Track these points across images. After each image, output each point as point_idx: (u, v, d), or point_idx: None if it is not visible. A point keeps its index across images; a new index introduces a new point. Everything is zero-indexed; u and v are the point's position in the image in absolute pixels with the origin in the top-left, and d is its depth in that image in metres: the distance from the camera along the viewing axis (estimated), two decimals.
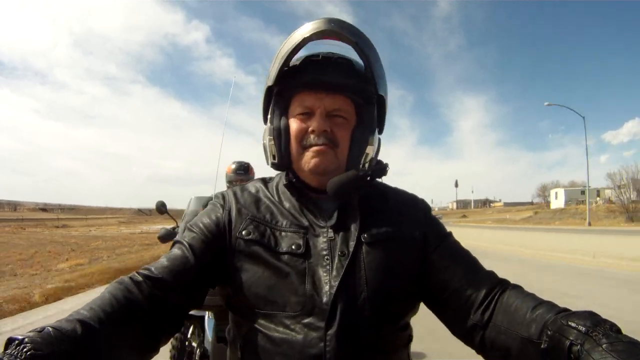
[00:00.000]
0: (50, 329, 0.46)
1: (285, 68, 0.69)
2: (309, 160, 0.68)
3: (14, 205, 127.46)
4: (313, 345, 0.58)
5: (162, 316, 0.59)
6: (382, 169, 0.75)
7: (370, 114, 0.70)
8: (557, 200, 41.61)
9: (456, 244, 0.72)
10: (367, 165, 0.69)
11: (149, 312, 0.57)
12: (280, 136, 0.70)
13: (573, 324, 0.49)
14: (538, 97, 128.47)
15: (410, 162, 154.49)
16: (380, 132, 0.74)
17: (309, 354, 0.58)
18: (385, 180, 0.79)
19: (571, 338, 0.48)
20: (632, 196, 23.79)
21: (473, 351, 0.64)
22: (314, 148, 0.68)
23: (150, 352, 0.58)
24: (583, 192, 30.74)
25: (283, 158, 0.71)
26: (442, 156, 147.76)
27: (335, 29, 0.65)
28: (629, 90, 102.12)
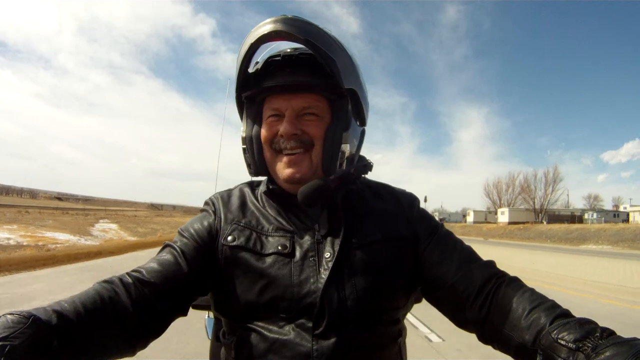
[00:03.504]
0: (9, 316, 0.46)
1: (249, 72, 0.68)
2: (282, 169, 0.67)
3: (33, 193, 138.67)
4: (302, 344, 0.60)
5: (146, 321, 0.58)
6: (364, 166, 0.74)
7: (343, 109, 0.67)
8: (469, 218, 60.70)
9: (448, 237, 0.71)
10: (344, 163, 0.67)
11: (132, 315, 0.56)
12: (252, 144, 0.70)
13: (563, 342, 0.49)
14: (539, 112, 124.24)
15: (409, 169, 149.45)
16: (363, 125, 0.73)
17: (298, 353, 0.59)
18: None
19: (562, 356, 0.48)
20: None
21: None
22: (287, 158, 0.67)
23: (125, 353, 0.57)
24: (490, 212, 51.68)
25: (257, 166, 0.70)
26: (441, 165, 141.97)
27: (281, 29, 0.61)
28: (631, 110, 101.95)
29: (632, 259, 14.93)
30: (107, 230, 27.77)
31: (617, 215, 47.74)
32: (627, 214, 46.30)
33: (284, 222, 0.68)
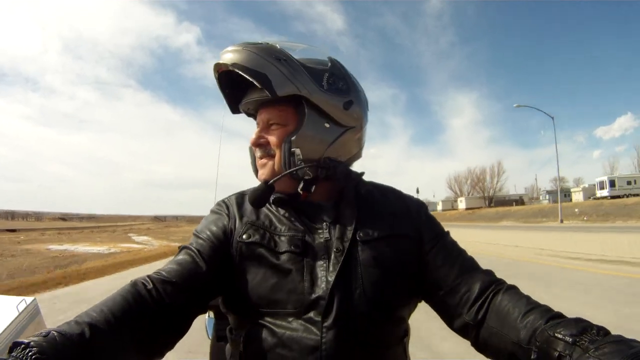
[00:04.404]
0: (56, 334, 0.48)
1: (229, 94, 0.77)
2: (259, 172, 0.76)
3: (39, 216, 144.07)
4: (310, 337, 0.61)
5: (170, 320, 0.61)
6: (333, 167, 0.73)
7: (300, 114, 0.72)
8: (439, 206, 68.70)
9: (452, 244, 0.75)
10: (300, 165, 0.71)
11: (158, 316, 0.59)
12: (251, 151, 0.79)
13: (560, 336, 0.50)
14: (530, 93, 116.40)
15: (404, 161, 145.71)
16: (340, 125, 0.74)
17: (306, 345, 0.61)
18: (382, 180, 0.83)
19: (559, 350, 0.50)
20: None
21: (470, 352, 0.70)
22: (258, 162, 0.76)
23: (156, 356, 0.60)
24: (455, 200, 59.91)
25: (254, 170, 0.79)
26: (435, 155, 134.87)
27: (217, 62, 0.71)
28: (621, 84, 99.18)
29: (510, 229, 22.30)
30: (146, 241, 34.88)
31: (567, 195, 57.49)
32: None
33: (296, 222, 0.71)
